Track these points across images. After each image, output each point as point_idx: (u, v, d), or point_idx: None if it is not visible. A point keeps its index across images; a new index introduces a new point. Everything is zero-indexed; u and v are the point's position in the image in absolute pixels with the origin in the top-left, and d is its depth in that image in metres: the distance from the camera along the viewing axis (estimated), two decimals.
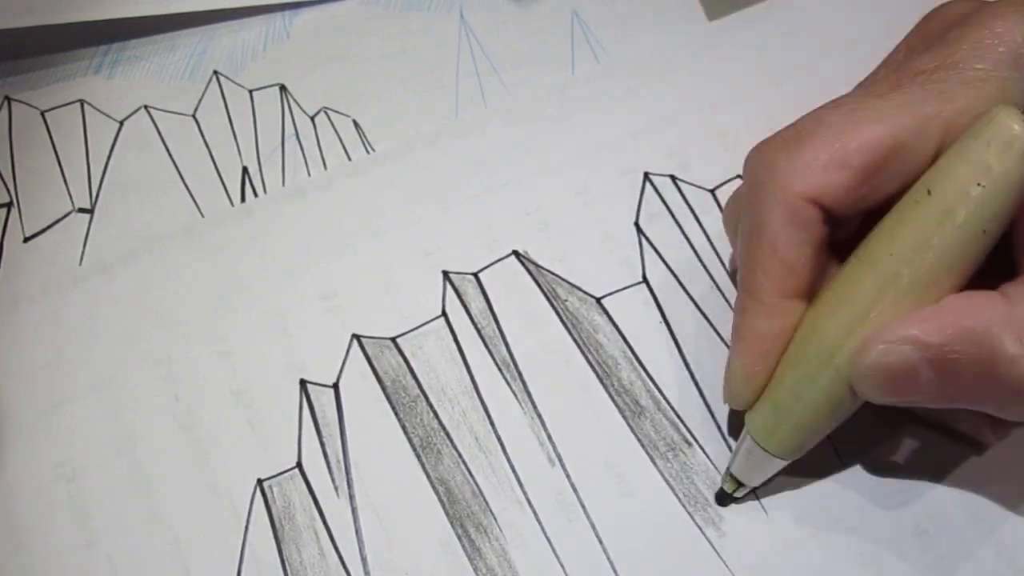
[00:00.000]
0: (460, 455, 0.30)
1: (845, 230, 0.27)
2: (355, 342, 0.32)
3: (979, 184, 0.23)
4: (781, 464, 0.28)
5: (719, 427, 0.30)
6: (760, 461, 0.28)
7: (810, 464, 0.29)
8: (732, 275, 0.32)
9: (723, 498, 0.29)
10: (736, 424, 0.30)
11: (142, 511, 0.30)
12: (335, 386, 0.31)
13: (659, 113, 0.36)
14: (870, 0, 0.37)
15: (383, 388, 0.31)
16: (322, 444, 0.30)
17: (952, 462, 0.29)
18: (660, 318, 0.32)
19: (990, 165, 0.23)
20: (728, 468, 0.29)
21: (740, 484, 0.29)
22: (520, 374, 0.31)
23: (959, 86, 0.25)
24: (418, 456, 0.30)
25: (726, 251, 0.33)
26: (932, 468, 0.29)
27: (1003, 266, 0.25)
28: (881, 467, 0.29)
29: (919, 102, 0.25)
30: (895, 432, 0.30)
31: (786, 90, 0.35)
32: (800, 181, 0.26)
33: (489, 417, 0.31)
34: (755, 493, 0.29)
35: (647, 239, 0.33)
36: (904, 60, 0.29)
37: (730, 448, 0.30)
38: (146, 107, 0.37)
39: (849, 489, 0.29)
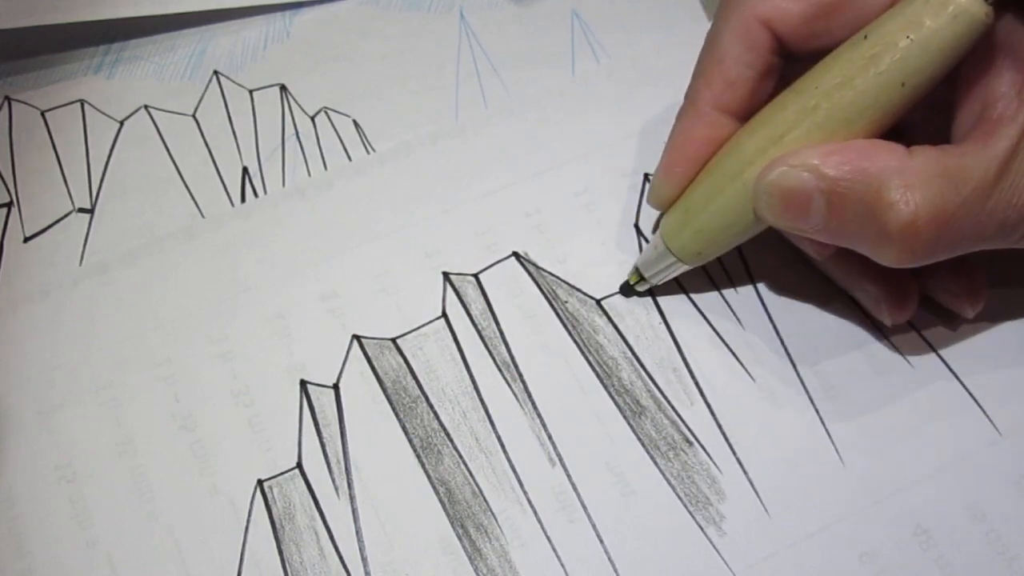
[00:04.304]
0: (460, 456, 0.30)
1: (794, 73, 0.28)
2: (355, 343, 0.32)
3: (908, 37, 0.25)
4: (681, 267, 0.30)
5: (720, 426, 0.30)
6: (663, 260, 0.30)
7: (810, 464, 0.29)
8: None
9: (626, 289, 0.32)
10: (735, 424, 0.30)
11: (142, 512, 0.30)
12: (335, 387, 0.31)
13: (659, 114, 0.35)
14: None
15: (383, 389, 0.31)
16: (322, 445, 0.30)
17: (954, 458, 0.29)
18: (660, 318, 0.32)
19: (923, 21, 0.24)
20: (635, 263, 0.32)
21: (643, 278, 0.31)
22: (520, 375, 0.31)
23: None
24: (418, 457, 0.30)
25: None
26: (932, 462, 0.29)
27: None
28: (881, 465, 0.29)
29: None
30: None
31: None
32: (759, 3, 0.28)
33: (489, 418, 0.31)
34: (652, 294, 0.32)
35: (647, 240, 0.33)
36: None
37: (731, 447, 0.30)
38: (146, 107, 0.37)
39: (849, 489, 0.29)
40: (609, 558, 0.29)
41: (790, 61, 0.29)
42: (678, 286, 0.32)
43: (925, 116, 0.27)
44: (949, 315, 0.31)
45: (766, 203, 0.27)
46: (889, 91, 0.25)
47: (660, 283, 0.32)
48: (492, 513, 0.29)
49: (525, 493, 0.30)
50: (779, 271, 0.32)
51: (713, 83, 0.29)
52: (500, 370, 0.31)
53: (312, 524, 0.29)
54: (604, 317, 0.32)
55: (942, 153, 0.25)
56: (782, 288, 0.32)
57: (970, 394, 0.30)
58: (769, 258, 0.33)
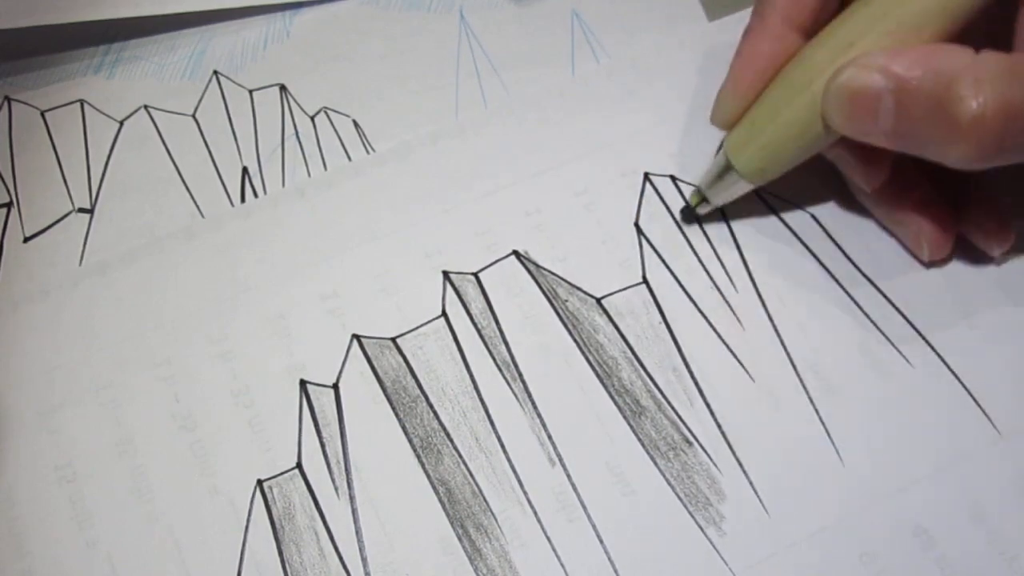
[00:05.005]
0: (460, 455, 0.30)
1: None
2: (355, 342, 0.32)
3: None
4: (744, 186, 0.30)
5: (719, 427, 0.30)
6: (726, 178, 0.30)
7: (810, 464, 0.29)
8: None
9: (687, 214, 0.32)
10: (735, 424, 0.30)
11: (142, 512, 0.30)
12: (335, 386, 0.31)
13: (659, 113, 0.36)
14: None
15: (383, 388, 0.31)
16: (322, 444, 0.30)
17: (954, 458, 0.29)
18: (660, 318, 0.32)
19: None
20: (697, 184, 0.31)
21: (703, 199, 0.31)
22: (520, 374, 0.31)
23: None
24: (418, 456, 0.30)
25: (726, 251, 0.33)
26: (932, 462, 0.29)
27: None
28: (881, 465, 0.29)
29: None
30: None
31: None
32: None
33: (489, 417, 0.31)
34: (722, 215, 0.32)
35: (647, 240, 0.33)
36: None
37: (730, 448, 0.30)
38: (146, 107, 0.37)
39: (849, 489, 0.29)
40: (609, 558, 0.29)
41: None
42: (678, 285, 0.32)
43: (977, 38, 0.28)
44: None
45: (835, 106, 0.27)
46: None
47: (722, 204, 0.31)
48: (492, 513, 0.29)
49: (525, 493, 0.30)
50: (779, 270, 0.32)
51: None
52: (500, 370, 0.31)
53: (312, 524, 0.29)
54: (604, 316, 0.32)
55: (1010, 55, 0.26)
56: (782, 287, 0.32)
57: (970, 394, 0.30)
58: (770, 257, 0.33)
